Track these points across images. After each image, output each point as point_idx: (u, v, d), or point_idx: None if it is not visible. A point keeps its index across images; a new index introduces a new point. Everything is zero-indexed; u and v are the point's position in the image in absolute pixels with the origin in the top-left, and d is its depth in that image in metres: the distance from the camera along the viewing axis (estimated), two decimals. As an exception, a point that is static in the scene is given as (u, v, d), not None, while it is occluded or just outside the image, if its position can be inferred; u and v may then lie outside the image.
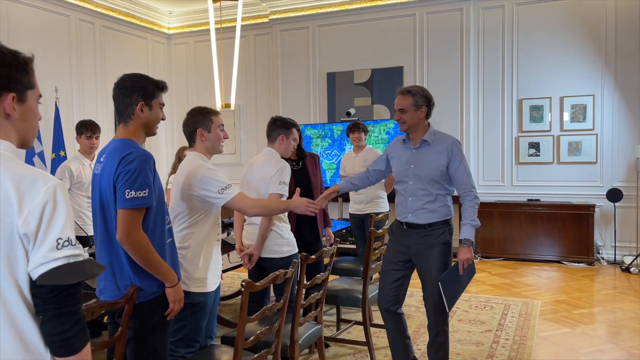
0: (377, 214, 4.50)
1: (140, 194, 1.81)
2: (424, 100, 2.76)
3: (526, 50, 6.53)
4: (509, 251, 6.42)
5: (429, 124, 2.83)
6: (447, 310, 2.72)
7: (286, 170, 3.05)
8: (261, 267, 3.06)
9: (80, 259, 1.12)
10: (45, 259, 1.08)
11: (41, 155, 5.97)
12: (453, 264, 2.78)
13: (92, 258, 1.23)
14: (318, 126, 6.99)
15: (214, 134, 2.50)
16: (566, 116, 6.41)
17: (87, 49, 6.89)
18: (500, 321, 4.08)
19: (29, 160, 5.74)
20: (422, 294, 2.88)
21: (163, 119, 2.07)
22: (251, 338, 2.11)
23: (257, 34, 7.83)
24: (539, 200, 6.42)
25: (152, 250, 1.86)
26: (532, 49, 6.50)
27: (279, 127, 3.23)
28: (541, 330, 3.91)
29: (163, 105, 2.07)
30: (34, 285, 1.10)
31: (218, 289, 2.58)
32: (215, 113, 2.58)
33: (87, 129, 4.11)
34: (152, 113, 1.99)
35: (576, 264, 6.07)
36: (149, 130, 2.02)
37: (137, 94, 1.95)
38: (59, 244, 1.09)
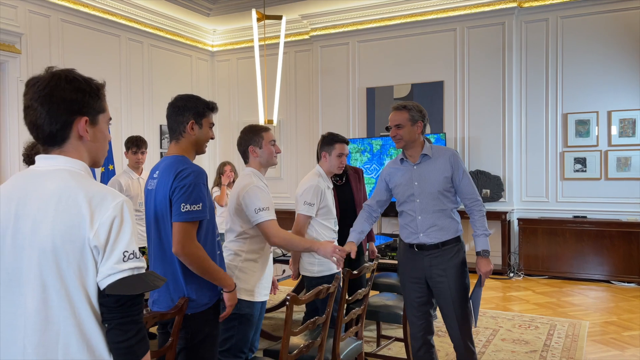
0: None
1: (195, 207, 1.90)
2: (419, 116, 2.68)
3: (571, 63, 6.39)
4: (554, 269, 6.24)
5: (424, 139, 2.75)
6: (474, 327, 2.73)
7: (313, 191, 3.06)
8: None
9: (143, 271, 1.19)
10: (112, 270, 1.15)
11: (92, 169, 6.22)
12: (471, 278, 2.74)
13: (153, 271, 1.30)
14: (357, 141, 7.02)
15: (266, 150, 2.61)
16: (614, 130, 6.22)
17: (136, 67, 7.18)
18: (545, 342, 3.96)
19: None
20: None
21: (212, 138, 2.16)
22: (295, 352, 2.14)
23: (297, 50, 7.97)
24: (585, 217, 6.23)
25: (207, 259, 1.95)
26: (577, 62, 6.36)
27: (322, 144, 3.30)
28: (589, 352, 3.78)
29: (213, 124, 2.16)
30: (101, 294, 1.17)
31: (264, 302, 2.64)
32: (266, 129, 2.68)
33: (134, 144, 4.29)
34: (202, 131, 2.09)
35: (626, 284, 5.84)
36: (199, 148, 2.12)
37: (188, 112, 2.05)
38: (125, 256, 1.16)
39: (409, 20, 7.03)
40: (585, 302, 5.20)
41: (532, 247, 6.29)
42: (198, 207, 1.91)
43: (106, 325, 1.18)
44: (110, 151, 6.49)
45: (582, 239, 6.12)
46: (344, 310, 2.60)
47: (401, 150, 2.77)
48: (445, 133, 6.70)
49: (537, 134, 6.59)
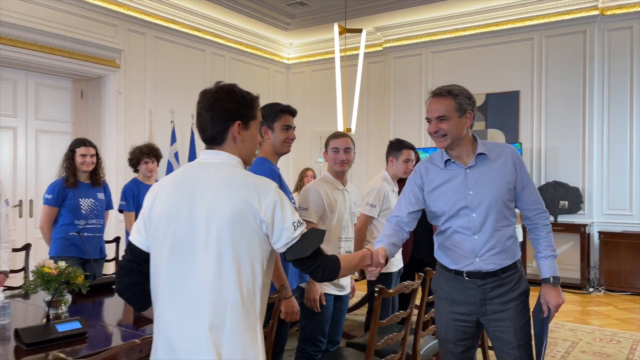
0: None
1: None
2: (469, 103, 2.06)
3: (658, 71, 6.14)
4: (638, 286, 5.96)
5: (473, 135, 2.14)
6: None
7: (376, 193, 3.27)
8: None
9: (305, 231, 1.49)
10: (288, 239, 1.45)
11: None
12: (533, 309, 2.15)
13: (313, 228, 1.57)
14: (429, 150, 7.07)
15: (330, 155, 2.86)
16: None
17: (218, 78, 7.59)
18: (628, 355, 3.85)
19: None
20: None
21: (292, 138, 2.52)
22: (381, 341, 2.29)
23: (370, 62, 8.14)
24: (673, 232, 5.92)
25: None
26: (665, 70, 6.10)
27: (390, 149, 3.49)
28: (678, 369, 3.63)
29: (292, 128, 2.53)
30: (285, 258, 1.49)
31: (342, 298, 2.81)
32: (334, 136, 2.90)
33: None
34: (275, 135, 2.44)
35: None
36: (279, 150, 2.50)
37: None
38: (294, 226, 1.45)
39: (483, 30, 7.03)
40: (673, 320, 4.96)
41: (613, 262, 6.06)
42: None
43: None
44: (193, 157, 6.95)
45: (669, 255, 5.82)
46: (424, 309, 2.72)
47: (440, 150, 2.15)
48: (521, 143, 6.61)
49: (620, 144, 6.36)
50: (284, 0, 6.88)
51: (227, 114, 1.51)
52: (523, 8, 6.69)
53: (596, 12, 6.30)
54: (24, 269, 3.52)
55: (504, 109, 6.86)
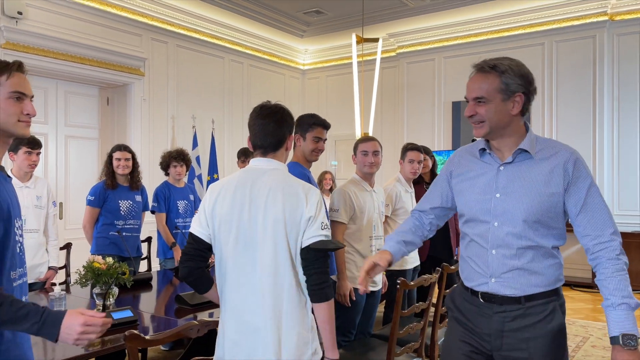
0: None
1: None
2: (519, 83, 1.62)
3: (667, 75, 6.27)
4: (649, 285, 6.09)
5: (525, 125, 1.70)
6: None
7: (388, 193, 3.51)
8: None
9: (330, 238, 1.71)
10: (315, 233, 1.67)
11: (200, 178, 6.94)
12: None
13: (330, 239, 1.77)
14: (443, 152, 7.26)
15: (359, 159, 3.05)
16: None
17: (236, 84, 7.90)
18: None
19: (190, 181, 6.72)
20: None
21: (321, 150, 2.79)
22: (403, 330, 2.49)
23: (384, 67, 8.33)
24: (684, 232, 6.05)
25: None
26: (674, 74, 6.24)
27: (401, 152, 3.76)
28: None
29: (323, 139, 2.83)
30: (305, 252, 1.68)
31: (374, 293, 3.02)
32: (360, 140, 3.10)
33: (243, 154, 4.88)
34: (306, 144, 2.73)
35: None
36: (308, 157, 2.77)
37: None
38: (322, 226, 1.68)
39: (495, 35, 7.21)
40: (682, 317, 5.08)
41: (624, 262, 6.19)
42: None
43: (305, 276, 1.69)
44: (215, 162, 7.19)
45: (680, 255, 5.94)
46: (442, 301, 2.91)
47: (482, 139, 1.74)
48: (532, 146, 6.76)
49: (630, 146, 6.50)
50: (300, 9, 7.11)
51: (289, 127, 1.83)
52: (534, 14, 6.86)
53: (605, 18, 6.46)
54: (65, 266, 3.77)
55: (515, 113, 7.02)
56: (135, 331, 1.55)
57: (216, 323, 1.72)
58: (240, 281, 1.68)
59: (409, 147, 3.65)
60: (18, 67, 1.44)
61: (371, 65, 7.73)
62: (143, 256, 4.03)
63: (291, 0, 6.75)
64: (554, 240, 1.64)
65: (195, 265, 1.74)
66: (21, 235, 1.46)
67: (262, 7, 7.01)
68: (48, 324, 1.29)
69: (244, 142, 7.78)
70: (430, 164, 4.13)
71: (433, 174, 4.18)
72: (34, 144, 3.22)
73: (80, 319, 1.31)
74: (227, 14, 7.08)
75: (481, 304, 1.68)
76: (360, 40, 5.03)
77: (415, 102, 7.95)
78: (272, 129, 1.76)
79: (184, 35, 6.97)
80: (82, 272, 2.62)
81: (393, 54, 8.15)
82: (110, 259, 2.65)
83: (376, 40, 5.31)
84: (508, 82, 1.61)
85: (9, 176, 1.49)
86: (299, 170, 2.61)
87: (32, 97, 1.48)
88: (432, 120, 7.77)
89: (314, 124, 2.71)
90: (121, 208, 3.66)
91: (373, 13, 7.06)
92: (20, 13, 5.18)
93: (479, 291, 1.69)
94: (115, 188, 3.67)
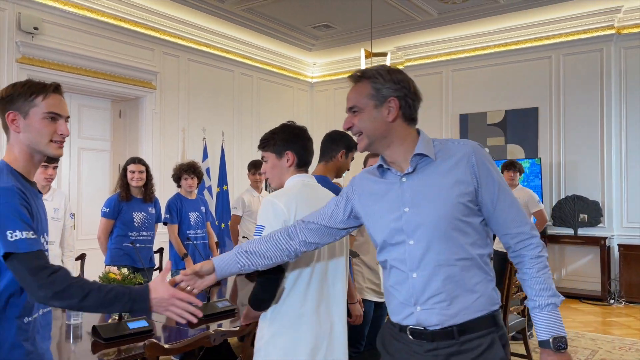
0: None
1: None
2: (391, 88, 1.50)
3: (675, 88, 6.29)
4: (659, 298, 6.06)
5: (418, 131, 1.57)
6: None
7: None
8: None
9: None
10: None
11: (209, 189, 7.02)
12: None
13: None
14: (451, 165, 7.29)
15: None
16: None
17: (246, 97, 8.00)
18: (648, 364, 4.00)
19: (200, 193, 6.79)
20: None
21: (348, 170, 2.71)
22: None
23: (392, 80, 8.42)
24: (693, 244, 6.03)
25: None
26: (682, 87, 6.26)
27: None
28: (696, 376, 3.77)
29: (353, 159, 2.75)
30: None
31: (382, 304, 3.06)
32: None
33: (253, 167, 4.94)
34: (346, 161, 2.71)
35: None
36: (339, 172, 2.66)
37: (342, 144, 2.66)
38: None
39: (502, 49, 7.27)
40: (693, 331, 5.06)
41: (634, 274, 6.17)
42: None
43: None
44: (224, 173, 7.27)
45: (690, 268, 5.92)
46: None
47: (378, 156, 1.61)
48: (540, 158, 6.80)
49: (638, 158, 6.50)
50: (309, 23, 7.22)
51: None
52: (541, 27, 6.92)
53: (612, 31, 6.50)
54: (80, 276, 3.83)
55: (522, 125, 7.07)
56: (154, 340, 1.61)
57: (232, 332, 1.76)
58: (323, 290, 1.87)
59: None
60: (55, 88, 1.50)
61: (379, 78, 7.82)
62: (155, 267, 4.09)
63: (300, 14, 6.86)
64: (479, 248, 1.47)
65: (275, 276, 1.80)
66: (47, 250, 1.53)
67: (271, 22, 7.12)
68: (138, 300, 1.40)
69: (252, 153, 7.85)
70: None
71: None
72: (50, 159, 3.30)
73: (169, 292, 1.43)
74: (237, 28, 7.20)
75: (411, 342, 1.47)
76: (369, 55, 5.11)
77: (422, 115, 7.85)
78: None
79: (194, 49, 7.09)
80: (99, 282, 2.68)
81: (401, 66, 8.23)
82: (125, 270, 2.71)
83: (384, 54, 5.38)
84: (378, 87, 1.50)
85: (39, 192, 1.56)
86: (332, 185, 2.65)
87: (68, 117, 1.54)
88: (439, 132, 7.82)
89: (355, 149, 2.78)
90: (135, 220, 3.73)
91: (381, 27, 7.16)
92: (36, 28, 5.31)
93: (407, 325, 1.48)
94: (129, 200, 3.75)
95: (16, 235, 1.34)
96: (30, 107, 1.46)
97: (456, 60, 7.70)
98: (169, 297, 1.42)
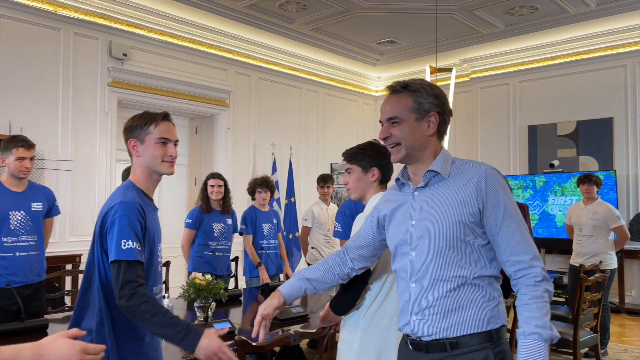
0: (602, 271, 4.31)
1: None
2: (433, 103, 1.56)
3: None
4: None
5: (442, 146, 1.63)
6: None
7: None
8: None
9: None
10: None
11: (278, 201, 7.31)
12: None
13: None
14: (519, 177, 7.18)
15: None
16: None
17: (312, 112, 8.26)
18: None
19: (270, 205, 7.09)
20: None
21: None
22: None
23: (457, 92, 8.38)
24: None
25: None
26: None
27: None
28: None
29: None
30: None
31: None
32: None
33: (322, 180, 5.14)
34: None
35: None
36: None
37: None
38: None
39: (573, 58, 7.10)
40: None
41: None
42: None
43: None
44: (291, 186, 7.54)
45: None
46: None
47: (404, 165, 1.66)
48: (615, 170, 6.55)
49: None
50: (374, 39, 7.40)
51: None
52: (614, 36, 6.71)
53: (694, 37, 6.20)
54: (165, 282, 4.18)
55: (596, 136, 6.85)
56: (243, 337, 1.81)
57: (310, 334, 1.94)
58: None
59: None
60: (164, 116, 1.78)
61: (445, 89, 7.84)
62: (232, 274, 4.38)
63: (366, 32, 7.05)
64: (478, 268, 1.48)
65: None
66: (161, 257, 1.78)
67: (337, 39, 7.36)
68: (191, 334, 1.52)
69: (318, 166, 8.10)
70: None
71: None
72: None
73: (219, 343, 1.52)
74: (305, 46, 7.50)
75: (412, 354, 1.54)
76: (434, 71, 5.20)
77: (489, 127, 7.93)
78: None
79: (264, 68, 7.45)
80: (185, 288, 2.95)
81: (466, 79, 8.21)
82: (208, 276, 2.97)
83: (449, 70, 5.45)
84: (421, 101, 1.55)
85: (156, 207, 1.83)
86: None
87: (177, 141, 1.81)
88: (507, 144, 7.71)
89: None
90: (214, 230, 4.04)
91: (446, 41, 7.21)
92: (125, 55, 5.84)
93: (408, 335, 1.56)
94: (209, 212, 4.06)
95: (128, 245, 1.59)
96: (145, 134, 1.75)
97: (524, 71, 7.59)
98: (217, 348, 1.51)
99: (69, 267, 5.00)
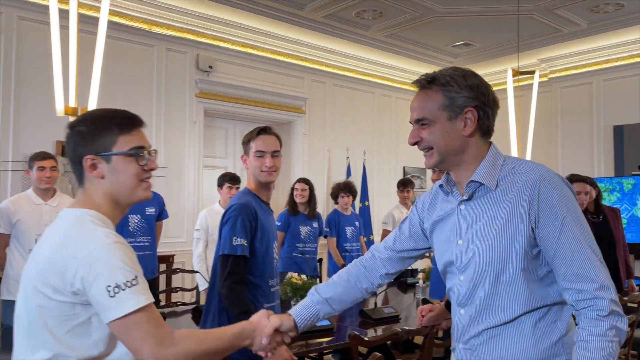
0: None
1: None
2: (468, 96, 1.30)
3: None
4: None
5: (490, 144, 1.37)
6: None
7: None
8: None
9: None
10: None
11: (353, 205, 7.39)
12: None
13: None
14: (604, 180, 6.89)
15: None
16: None
17: (385, 117, 8.31)
18: None
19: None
20: None
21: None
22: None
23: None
24: None
25: None
26: None
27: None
28: None
29: None
30: None
31: None
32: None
33: (402, 184, 5.22)
34: None
35: None
36: None
37: None
38: None
39: (664, 54, 6.73)
40: None
41: None
42: None
43: None
44: (365, 189, 7.65)
45: None
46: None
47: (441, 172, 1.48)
48: None
49: None
50: (449, 43, 7.37)
51: None
52: None
53: None
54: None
55: (691, 136, 6.45)
56: (356, 332, 1.94)
57: (416, 332, 2.04)
58: None
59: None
60: (259, 132, 2.04)
61: (522, 91, 7.66)
62: (318, 275, 4.55)
63: (440, 35, 7.05)
64: (537, 297, 1.26)
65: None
66: (277, 254, 1.97)
67: (411, 44, 7.41)
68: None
69: (391, 170, 8.15)
70: (594, 194, 4.08)
71: (597, 204, 4.12)
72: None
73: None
74: (379, 52, 7.60)
75: None
76: (516, 74, 5.14)
77: (570, 128, 7.66)
78: None
79: (339, 75, 7.62)
80: (282, 286, 3.14)
81: (545, 79, 7.97)
82: (304, 276, 3.14)
83: (532, 72, 5.36)
84: (453, 96, 1.29)
85: (271, 210, 2.03)
86: None
87: (274, 151, 2.03)
88: (589, 145, 7.42)
89: None
90: (301, 233, 4.23)
91: (524, 41, 7.06)
92: (211, 67, 6.20)
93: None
94: (296, 215, 4.26)
95: (238, 241, 1.84)
96: (248, 148, 2.06)
97: (608, 69, 7.27)
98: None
99: (162, 267, 5.36)
